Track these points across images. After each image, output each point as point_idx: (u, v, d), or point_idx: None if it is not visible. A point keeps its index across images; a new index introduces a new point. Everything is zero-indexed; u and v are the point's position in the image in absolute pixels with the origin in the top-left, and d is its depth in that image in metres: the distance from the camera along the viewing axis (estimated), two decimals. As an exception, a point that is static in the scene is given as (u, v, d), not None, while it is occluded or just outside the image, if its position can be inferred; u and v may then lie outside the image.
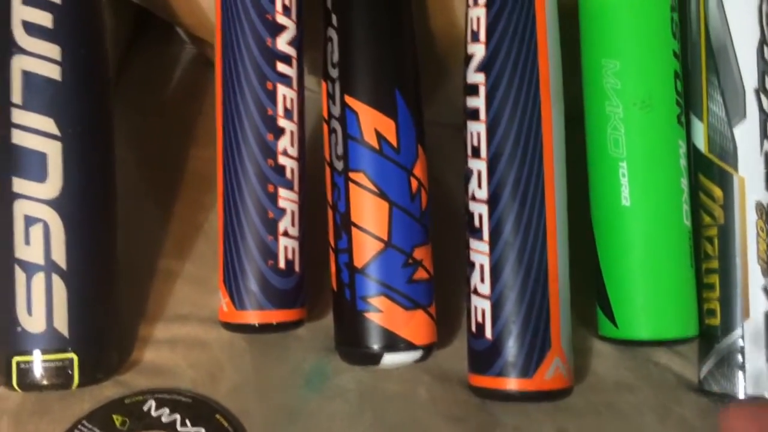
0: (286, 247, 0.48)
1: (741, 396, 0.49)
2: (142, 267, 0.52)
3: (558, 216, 0.47)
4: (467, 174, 0.48)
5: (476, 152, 0.47)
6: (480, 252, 0.47)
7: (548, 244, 0.46)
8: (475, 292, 0.47)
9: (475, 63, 0.48)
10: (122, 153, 0.57)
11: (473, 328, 0.47)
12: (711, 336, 0.51)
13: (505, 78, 0.47)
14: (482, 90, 0.47)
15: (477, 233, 0.47)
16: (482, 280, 0.46)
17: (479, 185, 0.47)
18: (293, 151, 0.49)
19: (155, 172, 0.58)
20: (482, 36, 0.47)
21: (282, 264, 0.48)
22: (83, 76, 0.47)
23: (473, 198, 0.47)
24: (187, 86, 0.65)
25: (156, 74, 0.65)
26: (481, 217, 0.47)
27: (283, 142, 0.48)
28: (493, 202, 0.46)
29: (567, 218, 0.48)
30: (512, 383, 0.45)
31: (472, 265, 0.47)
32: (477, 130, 0.47)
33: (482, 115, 0.47)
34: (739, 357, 0.49)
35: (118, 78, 0.63)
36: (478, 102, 0.47)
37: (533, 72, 0.47)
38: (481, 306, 0.46)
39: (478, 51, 0.48)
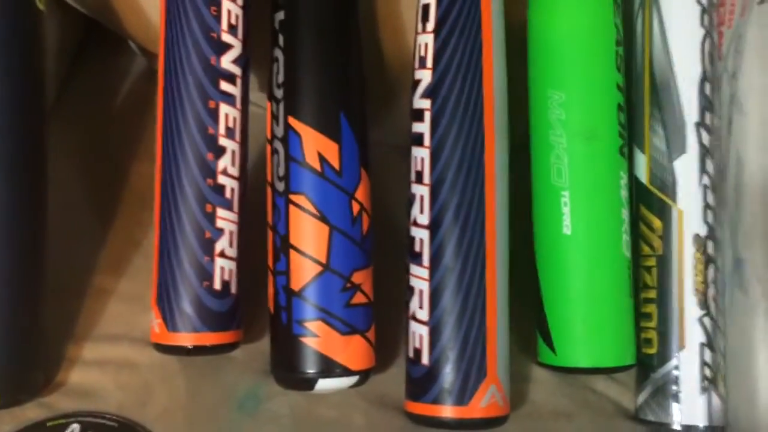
0: (223, 268, 0.47)
1: (675, 426, 0.50)
2: (75, 284, 0.51)
3: (498, 242, 0.47)
4: (410, 199, 0.48)
5: (419, 177, 0.47)
6: (419, 277, 0.46)
7: (487, 271, 0.46)
8: (414, 317, 0.46)
9: (421, 88, 0.48)
10: (63, 166, 0.56)
11: (411, 354, 0.46)
12: (647, 365, 0.51)
13: (450, 104, 0.47)
14: (427, 115, 0.47)
15: (417, 258, 0.47)
16: (420, 305, 0.46)
17: (421, 210, 0.47)
18: (234, 171, 0.48)
19: (96, 186, 0.57)
20: (429, 62, 0.48)
21: (218, 285, 0.47)
22: (14, 93, 0.46)
23: (415, 223, 0.47)
24: (135, 99, 0.63)
25: (103, 86, 0.64)
26: (422, 242, 0.47)
27: (224, 162, 0.48)
28: (434, 227, 0.46)
29: (508, 245, 0.48)
30: (447, 410, 0.45)
31: (411, 290, 0.47)
32: (421, 155, 0.47)
33: (426, 140, 0.47)
34: (674, 387, 0.50)
35: (63, 88, 0.62)
36: (423, 127, 0.47)
37: (478, 99, 0.47)
38: (419, 332, 0.46)
39: (425, 77, 0.48)
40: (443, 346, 0.45)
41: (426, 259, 0.46)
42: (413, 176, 0.48)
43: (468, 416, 0.45)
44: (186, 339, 0.46)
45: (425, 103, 0.47)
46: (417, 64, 0.48)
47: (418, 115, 0.48)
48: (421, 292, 0.46)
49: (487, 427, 0.46)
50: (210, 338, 0.46)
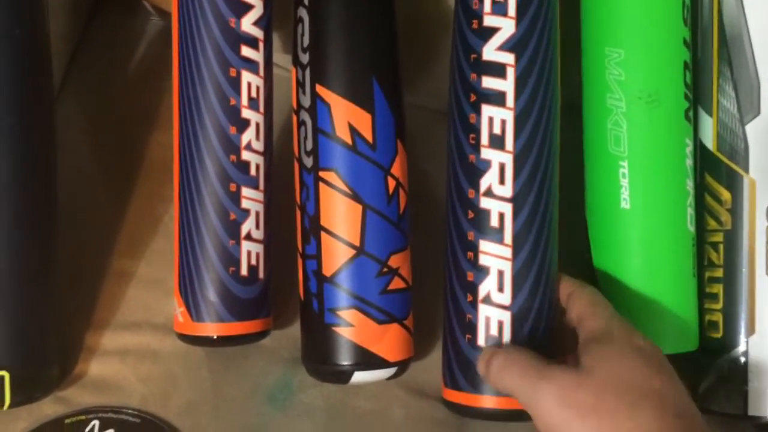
0: (249, 252, 0.43)
1: (742, 417, 0.46)
2: (92, 267, 0.48)
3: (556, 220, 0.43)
4: (478, 165, 0.42)
5: (499, 142, 0.41)
6: (499, 256, 0.41)
7: (556, 249, 0.42)
8: (488, 301, 0.41)
9: (500, 39, 0.41)
10: (76, 138, 0.53)
11: (482, 341, 0.41)
12: (712, 350, 0.47)
13: (539, 62, 0.41)
14: (510, 72, 0.41)
15: (495, 235, 0.41)
16: (501, 288, 0.41)
17: (501, 180, 0.41)
18: (258, 146, 0.44)
19: (112, 158, 0.53)
20: (512, 9, 0.41)
21: (244, 271, 0.43)
22: (17, 59, 0.42)
23: (490, 194, 0.41)
24: (152, 63, 0.59)
25: (118, 49, 0.59)
26: (501, 216, 0.41)
27: (248, 136, 0.44)
28: (519, 200, 0.41)
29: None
30: (489, 401, 0.41)
31: (482, 270, 0.41)
32: (501, 116, 0.41)
33: (510, 100, 0.41)
34: (742, 376, 0.46)
35: (75, 53, 0.58)
36: (505, 85, 0.41)
37: (554, 58, 0.42)
38: (497, 317, 0.41)
39: (504, 26, 0.41)
40: (526, 334, 0.41)
41: (508, 236, 0.41)
42: (486, 140, 0.41)
43: (512, 407, 0.40)
44: (212, 329, 0.43)
45: (507, 58, 0.41)
46: (489, 8, 0.42)
47: (496, 70, 0.41)
48: (500, 273, 0.41)
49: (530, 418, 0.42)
50: (237, 328, 0.43)
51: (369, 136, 0.42)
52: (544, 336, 0.41)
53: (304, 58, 0.43)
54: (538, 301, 0.41)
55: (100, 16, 0.62)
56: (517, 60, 0.41)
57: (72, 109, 0.55)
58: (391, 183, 0.43)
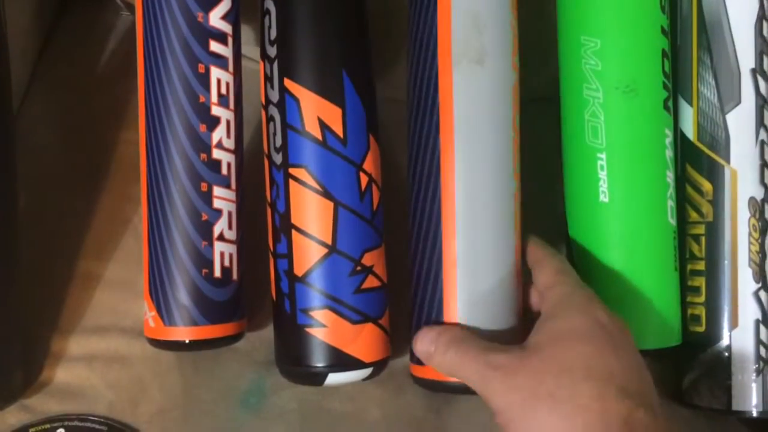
0: (223, 253, 0.42)
1: (725, 412, 0.45)
2: (58, 270, 0.46)
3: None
4: None
5: None
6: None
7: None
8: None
9: None
10: (43, 135, 0.51)
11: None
12: (695, 345, 0.46)
13: None
14: None
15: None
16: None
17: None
18: (229, 143, 0.43)
19: (80, 157, 0.52)
20: None
21: (218, 272, 0.42)
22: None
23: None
24: (122, 59, 0.58)
25: (86, 45, 0.58)
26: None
27: (218, 134, 0.42)
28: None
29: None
30: None
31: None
32: None
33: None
34: (725, 370, 0.45)
35: (44, 49, 0.56)
36: None
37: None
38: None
39: None
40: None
41: None
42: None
43: None
44: (184, 333, 0.41)
45: None
46: None
47: None
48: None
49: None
50: (211, 331, 0.42)
51: (339, 131, 0.41)
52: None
53: (272, 51, 0.42)
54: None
55: (69, 11, 0.60)
56: None
57: (40, 107, 0.53)
58: (364, 179, 0.41)
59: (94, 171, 0.50)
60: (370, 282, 0.41)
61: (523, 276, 0.41)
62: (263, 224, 0.43)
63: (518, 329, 0.40)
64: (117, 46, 0.59)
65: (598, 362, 0.34)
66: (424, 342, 0.38)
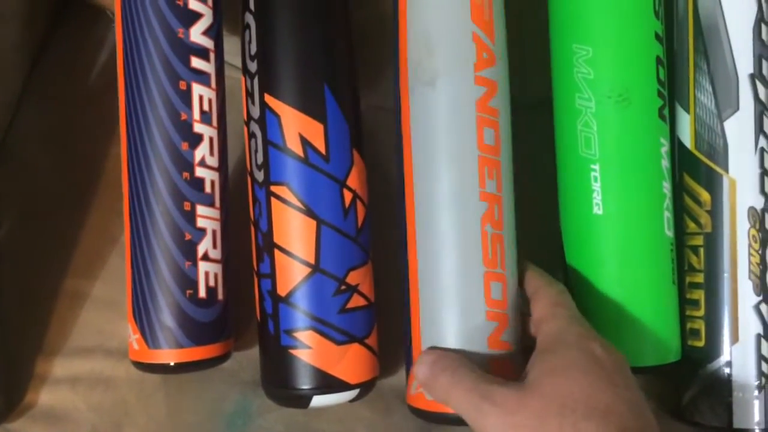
0: (207, 273, 0.42)
1: (727, 430, 0.44)
2: (43, 288, 0.46)
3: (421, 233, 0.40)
4: None
5: None
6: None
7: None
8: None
9: None
10: (32, 150, 0.51)
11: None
12: (695, 360, 0.45)
13: None
14: None
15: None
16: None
17: None
18: (213, 161, 0.42)
19: (69, 173, 0.51)
20: None
21: (203, 293, 0.41)
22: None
23: None
24: (114, 72, 0.57)
25: (78, 60, 0.57)
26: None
27: (201, 151, 0.42)
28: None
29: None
30: None
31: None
32: None
33: None
34: (726, 386, 0.43)
35: (36, 64, 0.56)
36: None
37: None
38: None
39: None
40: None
41: None
42: None
43: None
44: (169, 356, 0.41)
45: None
46: None
47: None
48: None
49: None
50: (196, 353, 0.41)
51: (321, 147, 0.40)
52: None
53: (252, 66, 0.41)
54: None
55: (61, 25, 0.60)
56: None
57: (28, 120, 0.53)
58: (348, 195, 0.40)
59: (83, 186, 0.50)
60: (356, 301, 0.40)
61: (522, 305, 0.40)
62: (249, 242, 0.43)
63: (515, 358, 0.39)
64: (109, 58, 0.58)
65: (598, 399, 0.33)
66: (421, 366, 0.37)
